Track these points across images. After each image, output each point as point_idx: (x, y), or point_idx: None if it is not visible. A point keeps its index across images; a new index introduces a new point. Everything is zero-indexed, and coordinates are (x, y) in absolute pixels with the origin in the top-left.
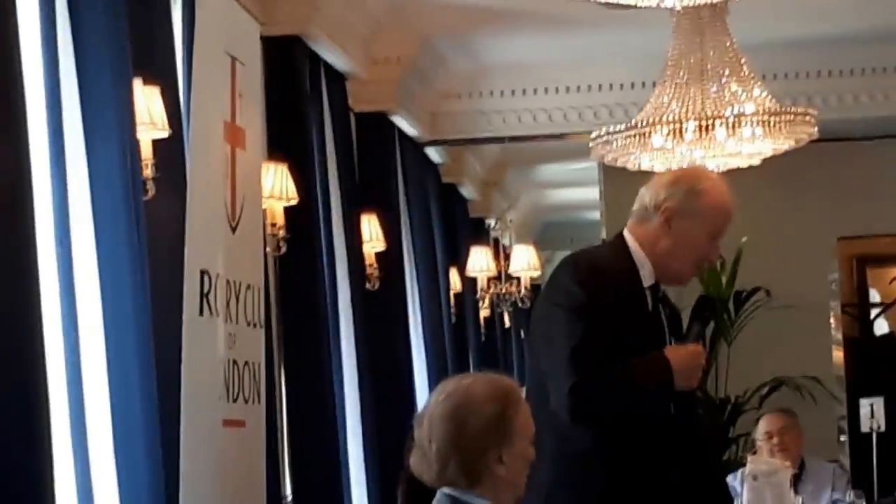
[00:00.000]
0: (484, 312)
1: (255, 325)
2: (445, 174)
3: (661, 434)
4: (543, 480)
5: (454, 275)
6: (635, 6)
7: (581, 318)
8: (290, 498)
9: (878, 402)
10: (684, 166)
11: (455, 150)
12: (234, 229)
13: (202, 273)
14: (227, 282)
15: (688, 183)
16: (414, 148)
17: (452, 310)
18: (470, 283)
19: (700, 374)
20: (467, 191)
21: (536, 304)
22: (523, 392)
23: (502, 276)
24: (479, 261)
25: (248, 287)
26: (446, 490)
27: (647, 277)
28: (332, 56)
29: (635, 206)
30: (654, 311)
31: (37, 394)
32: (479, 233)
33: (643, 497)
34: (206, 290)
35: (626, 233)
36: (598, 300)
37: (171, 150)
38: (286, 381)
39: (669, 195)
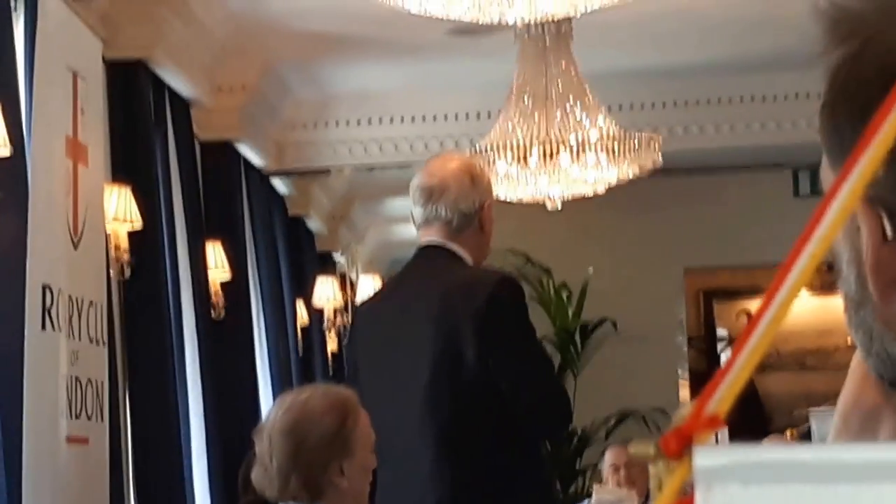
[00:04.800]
0: (332, 346)
1: (98, 343)
2: (292, 206)
3: None
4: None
5: (301, 307)
6: (477, 22)
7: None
8: None
9: (724, 433)
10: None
11: (302, 182)
12: (76, 245)
13: (44, 287)
14: (70, 297)
15: (479, 174)
16: (259, 178)
17: (300, 343)
18: (317, 316)
19: None
20: (314, 224)
21: (474, 310)
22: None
23: (349, 307)
24: (326, 290)
25: (91, 304)
26: None
27: None
28: (177, 82)
29: (449, 216)
30: None
31: None
32: (326, 266)
33: None
34: (48, 305)
35: (449, 245)
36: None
37: (12, 167)
38: (130, 401)
39: (483, 192)
